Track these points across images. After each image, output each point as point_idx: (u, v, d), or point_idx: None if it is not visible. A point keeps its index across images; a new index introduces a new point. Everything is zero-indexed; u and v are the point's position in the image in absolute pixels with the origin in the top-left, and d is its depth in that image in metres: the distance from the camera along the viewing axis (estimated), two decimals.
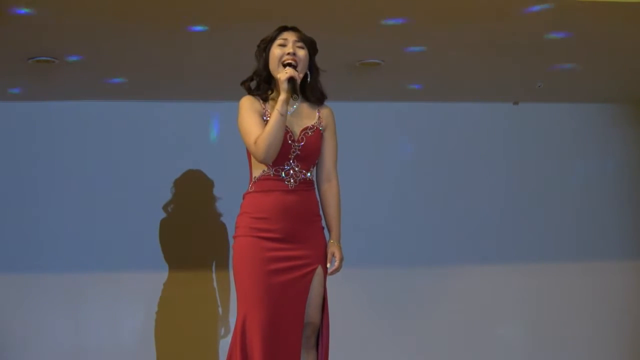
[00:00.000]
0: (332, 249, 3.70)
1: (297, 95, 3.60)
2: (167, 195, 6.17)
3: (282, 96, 3.55)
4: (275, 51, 3.66)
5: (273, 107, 3.60)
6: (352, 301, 6.22)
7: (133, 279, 6.15)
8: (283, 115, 3.54)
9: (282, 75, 3.57)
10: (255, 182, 3.67)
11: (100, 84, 5.81)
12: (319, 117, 3.74)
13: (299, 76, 3.60)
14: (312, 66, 3.72)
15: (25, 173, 6.17)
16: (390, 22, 4.75)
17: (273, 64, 3.66)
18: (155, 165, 6.20)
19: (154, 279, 6.13)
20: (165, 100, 6.26)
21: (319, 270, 3.68)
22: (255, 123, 3.60)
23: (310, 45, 3.71)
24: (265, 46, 3.70)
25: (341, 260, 3.68)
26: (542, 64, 5.61)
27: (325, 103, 3.79)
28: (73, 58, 5.21)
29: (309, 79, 3.71)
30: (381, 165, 6.47)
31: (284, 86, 3.55)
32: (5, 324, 6.07)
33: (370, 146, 6.45)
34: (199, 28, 4.80)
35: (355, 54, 5.33)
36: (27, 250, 6.10)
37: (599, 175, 6.69)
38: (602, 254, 6.59)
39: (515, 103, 6.61)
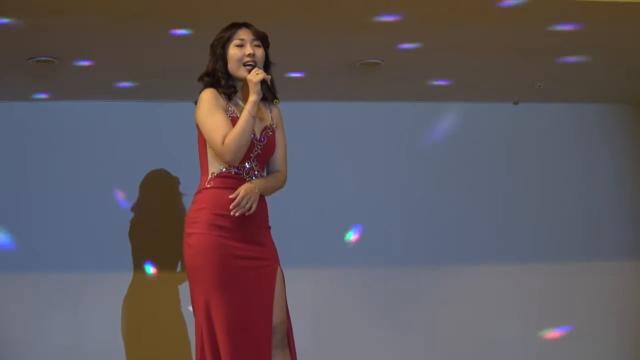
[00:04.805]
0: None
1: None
2: (169, 195, 6.17)
3: (254, 97, 3.51)
4: (234, 52, 3.62)
5: (236, 106, 3.60)
6: (352, 301, 6.21)
7: (133, 278, 6.15)
8: (253, 117, 3.51)
9: (254, 77, 3.52)
10: (214, 178, 3.61)
11: (100, 84, 5.82)
12: (272, 117, 3.74)
13: (267, 77, 3.56)
14: (267, 61, 3.69)
15: (25, 173, 6.16)
16: (388, 19, 4.74)
17: (233, 65, 3.63)
18: (156, 165, 6.19)
19: (154, 279, 6.13)
20: (169, 101, 6.25)
21: (280, 271, 3.65)
22: (222, 120, 3.54)
23: (265, 41, 3.67)
24: (222, 46, 3.65)
25: (244, 196, 3.51)
26: (542, 63, 5.62)
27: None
28: (75, 59, 5.21)
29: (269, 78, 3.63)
30: (380, 165, 6.46)
31: (256, 88, 3.51)
32: (4, 324, 6.06)
33: (369, 146, 6.43)
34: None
35: (356, 54, 5.33)
36: (27, 250, 6.09)
37: (599, 175, 6.68)
38: (603, 254, 6.59)
39: (516, 103, 6.61)
